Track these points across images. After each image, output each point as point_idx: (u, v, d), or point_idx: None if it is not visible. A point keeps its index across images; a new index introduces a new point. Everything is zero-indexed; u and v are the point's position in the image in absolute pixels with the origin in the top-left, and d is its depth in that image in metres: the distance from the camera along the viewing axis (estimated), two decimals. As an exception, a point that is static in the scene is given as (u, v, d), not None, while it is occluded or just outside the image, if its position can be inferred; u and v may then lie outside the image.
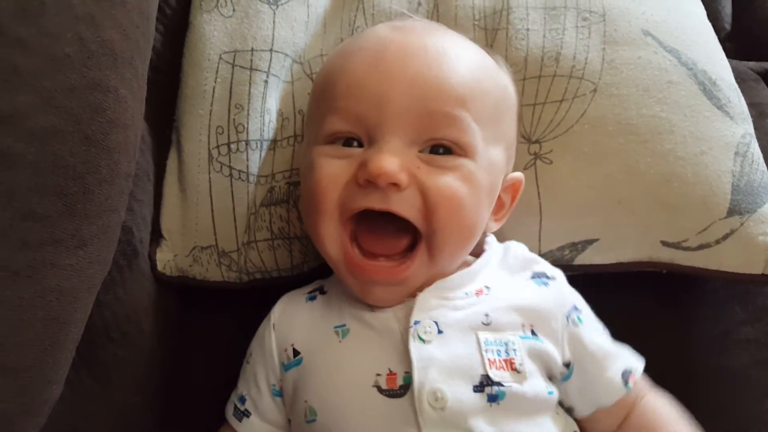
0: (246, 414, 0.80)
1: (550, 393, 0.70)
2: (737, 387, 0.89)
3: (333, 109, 0.73)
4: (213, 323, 0.97)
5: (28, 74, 0.55)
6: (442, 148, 0.71)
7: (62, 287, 0.59)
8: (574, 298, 0.79)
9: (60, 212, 0.58)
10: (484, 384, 0.67)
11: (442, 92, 0.70)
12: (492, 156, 0.75)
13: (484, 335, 0.69)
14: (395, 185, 0.68)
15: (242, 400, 0.81)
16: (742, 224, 0.86)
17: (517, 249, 0.82)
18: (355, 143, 0.72)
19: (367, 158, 0.68)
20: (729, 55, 1.01)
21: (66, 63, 0.57)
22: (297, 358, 0.75)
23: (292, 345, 0.76)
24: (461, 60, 0.74)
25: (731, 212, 0.86)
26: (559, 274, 0.80)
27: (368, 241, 0.72)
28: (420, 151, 0.71)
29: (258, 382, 0.79)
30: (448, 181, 0.70)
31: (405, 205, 0.69)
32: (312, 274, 0.92)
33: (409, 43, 0.73)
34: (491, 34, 0.92)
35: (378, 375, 0.68)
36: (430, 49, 0.73)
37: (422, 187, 0.69)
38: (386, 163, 0.67)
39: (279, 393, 0.78)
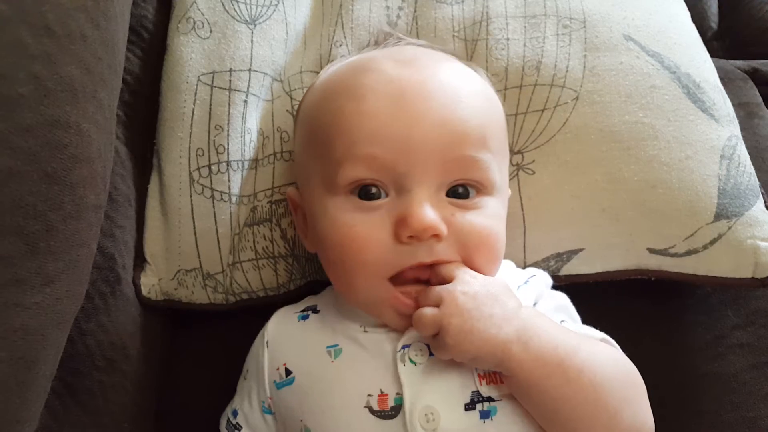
0: (237, 428, 0.80)
1: None
2: (732, 392, 0.88)
3: (353, 157, 0.69)
4: (201, 344, 0.98)
5: (-21, 119, 0.55)
6: (462, 188, 0.71)
7: (28, 326, 0.59)
8: (556, 298, 0.79)
9: (22, 252, 0.58)
10: (476, 401, 0.66)
11: (467, 136, 0.70)
12: (504, 183, 0.77)
13: None
14: (437, 236, 0.67)
15: (235, 413, 0.81)
16: (729, 228, 0.85)
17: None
18: (374, 189, 0.70)
19: (405, 213, 0.67)
20: (716, 54, 1.00)
21: (20, 103, 0.57)
22: (289, 377, 0.75)
23: (285, 364, 0.76)
24: (475, 96, 0.75)
25: (718, 216, 0.85)
26: (540, 273, 0.82)
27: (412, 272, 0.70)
28: (447, 195, 0.70)
29: (251, 397, 0.80)
30: (481, 222, 0.70)
31: (449, 252, 0.69)
32: (298, 292, 0.92)
33: (425, 83, 0.72)
34: (471, 45, 0.92)
35: (369, 396, 0.68)
36: (447, 87, 0.72)
37: (459, 235, 0.69)
38: (427, 216, 0.66)
39: (268, 410, 0.78)
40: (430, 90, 0.71)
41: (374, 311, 0.72)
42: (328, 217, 0.71)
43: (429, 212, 0.67)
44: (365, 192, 0.70)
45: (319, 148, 0.74)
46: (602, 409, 0.64)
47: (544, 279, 0.81)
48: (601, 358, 0.67)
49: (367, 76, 0.73)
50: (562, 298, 0.80)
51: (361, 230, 0.69)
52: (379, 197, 0.70)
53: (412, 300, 0.68)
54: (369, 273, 0.69)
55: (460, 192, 0.71)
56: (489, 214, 0.72)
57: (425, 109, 0.70)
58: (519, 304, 0.68)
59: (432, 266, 0.69)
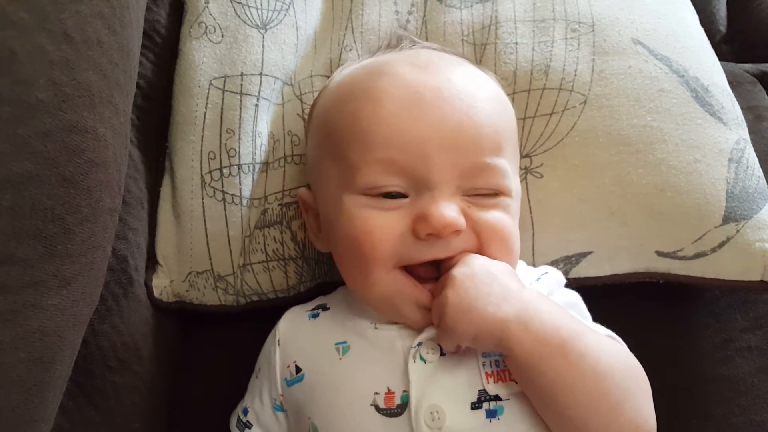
0: (248, 426, 0.81)
1: None
2: (740, 395, 0.88)
3: (372, 160, 0.71)
4: (212, 344, 0.98)
5: (0, 123, 0.56)
6: (482, 192, 0.72)
7: (45, 328, 0.60)
8: (567, 295, 0.80)
9: (40, 254, 0.59)
10: (482, 399, 0.66)
11: (483, 144, 0.72)
12: (517, 185, 0.78)
13: None
14: (457, 231, 0.68)
15: (245, 411, 0.82)
16: (738, 231, 0.85)
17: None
18: (395, 193, 0.71)
19: (425, 210, 0.68)
20: (725, 57, 1.00)
21: (40, 108, 0.58)
22: (299, 374, 0.76)
23: (295, 362, 0.77)
24: (489, 100, 0.76)
25: (727, 219, 0.85)
26: (552, 271, 0.82)
27: (425, 270, 0.71)
28: (463, 196, 0.71)
29: (262, 395, 0.81)
30: (496, 217, 0.71)
31: (463, 244, 0.70)
32: (308, 294, 0.92)
33: (440, 89, 0.72)
34: (480, 49, 0.92)
35: (376, 394, 0.69)
36: (462, 93, 0.73)
37: (475, 226, 0.70)
38: (448, 214, 0.67)
39: (280, 407, 0.79)
40: (445, 96, 0.72)
41: (391, 307, 0.72)
42: (344, 213, 0.72)
43: (449, 210, 0.68)
44: (386, 194, 0.71)
45: (336, 150, 0.75)
46: (602, 398, 0.63)
47: (556, 276, 0.82)
48: (606, 348, 0.67)
49: (382, 79, 0.75)
50: (573, 296, 0.80)
51: (378, 222, 0.70)
52: (399, 198, 0.71)
53: (431, 292, 0.70)
54: (383, 264, 0.70)
55: (478, 194, 0.72)
56: (504, 211, 0.73)
57: (441, 116, 0.71)
58: (522, 286, 0.68)
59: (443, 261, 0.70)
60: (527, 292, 0.67)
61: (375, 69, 0.78)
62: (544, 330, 0.64)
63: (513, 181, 0.75)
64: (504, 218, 0.72)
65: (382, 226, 0.70)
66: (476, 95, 0.75)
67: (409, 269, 0.71)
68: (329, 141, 0.77)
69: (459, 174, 0.70)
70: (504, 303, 0.64)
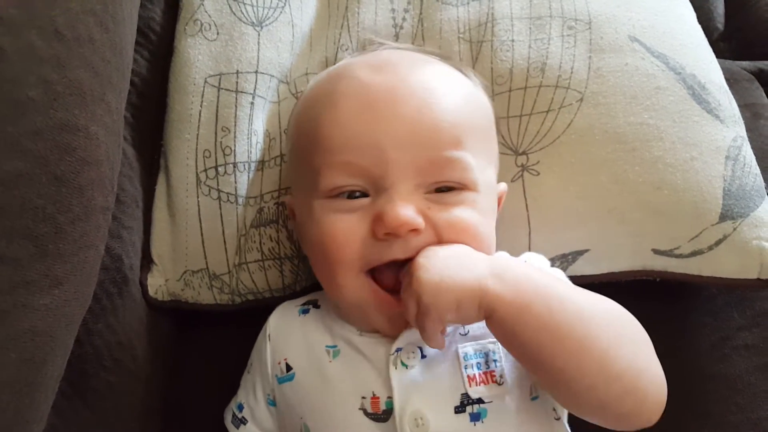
0: (243, 421, 0.82)
1: (534, 398, 0.70)
2: (737, 393, 0.88)
3: (331, 164, 0.71)
4: (207, 343, 0.98)
5: (-11, 122, 0.56)
6: (445, 187, 0.72)
7: (37, 328, 0.59)
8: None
9: (31, 254, 0.58)
10: (465, 403, 0.67)
11: (440, 138, 0.71)
12: (488, 178, 0.76)
13: (464, 349, 0.70)
14: (415, 231, 0.68)
15: (240, 407, 0.83)
16: (735, 229, 0.85)
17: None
18: (358, 193, 0.71)
19: (381, 211, 0.68)
20: (722, 55, 0.99)
21: (30, 106, 0.58)
22: (290, 373, 0.77)
23: (285, 359, 0.78)
24: (448, 95, 0.75)
25: (723, 217, 0.85)
26: (533, 256, 0.82)
27: (389, 278, 0.71)
28: (425, 193, 0.71)
29: (256, 391, 0.81)
30: (458, 215, 0.70)
31: (425, 244, 0.69)
32: (304, 293, 0.92)
33: (395, 88, 0.72)
34: (476, 47, 0.92)
35: (363, 398, 0.69)
36: (418, 91, 0.73)
37: (436, 226, 0.69)
38: (403, 212, 0.67)
39: (273, 402, 0.80)
40: (400, 95, 0.72)
41: (363, 315, 0.73)
42: (313, 219, 0.73)
43: (404, 209, 0.67)
44: (348, 193, 0.71)
45: (302, 155, 0.77)
46: (590, 342, 0.61)
47: (539, 262, 0.81)
48: (587, 297, 0.66)
49: (341, 83, 0.76)
50: (556, 273, 0.80)
51: (341, 227, 0.70)
52: (361, 198, 0.71)
53: (395, 299, 0.69)
54: (347, 269, 0.70)
55: (443, 191, 0.71)
56: (469, 208, 0.72)
57: (394, 115, 0.70)
58: (487, 257, 0.67)
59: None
60: (495, 258, 0.67)
61: (336, 73, 0.79)
62: (519, 280, 0.63)
63: (480, 175, 0.73)
64: (468, 215, 0.71)
65: (345, 229, 0.70)
66: (433, 90, 0.74)
67: (378, 280, 0.71)
68: (297, 146, 0.79)
69: (417, 170, 0.70)
70: (475, 267, 0.64)
